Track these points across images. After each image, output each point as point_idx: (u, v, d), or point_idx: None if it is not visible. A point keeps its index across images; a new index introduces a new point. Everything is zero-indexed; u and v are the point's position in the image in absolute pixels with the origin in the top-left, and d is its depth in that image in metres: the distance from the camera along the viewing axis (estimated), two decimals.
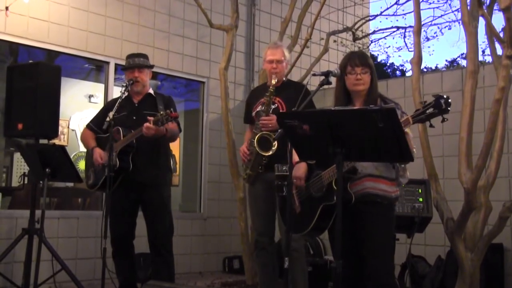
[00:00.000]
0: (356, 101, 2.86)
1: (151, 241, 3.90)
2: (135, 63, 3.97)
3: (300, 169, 2.83)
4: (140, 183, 3.83)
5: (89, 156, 4.10)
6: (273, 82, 3.69)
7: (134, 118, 3.91)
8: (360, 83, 2.79)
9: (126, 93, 3.91)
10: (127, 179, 3.80)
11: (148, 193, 3.86)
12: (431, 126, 2.45)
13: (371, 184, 2.71)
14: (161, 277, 3.76)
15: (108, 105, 4.14)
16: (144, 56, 4.07)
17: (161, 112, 3.63)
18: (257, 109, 3.79)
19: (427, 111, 2.40)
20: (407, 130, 2.56)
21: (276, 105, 3.73)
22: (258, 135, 3.64)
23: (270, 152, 3.56)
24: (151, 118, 3.65)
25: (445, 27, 8.26)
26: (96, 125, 4.06)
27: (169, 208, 3.97)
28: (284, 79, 3.86)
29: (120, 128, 3.82)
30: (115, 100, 3.98)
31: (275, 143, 3.54)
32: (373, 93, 2.82)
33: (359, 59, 2.81)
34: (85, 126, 4.23)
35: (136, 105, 4.01)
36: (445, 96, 2.37)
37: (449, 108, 2.36)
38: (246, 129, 4.06)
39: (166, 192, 3.97)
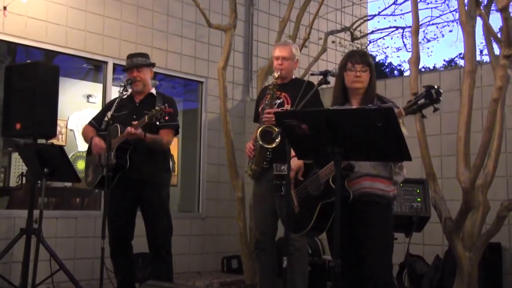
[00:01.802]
0: (353, 99, 2.86)
1: (150, 241, 3.89)
2: (133, 63, 3.97)
3: (295, 161, 2.81)
4: (137, 181, 3.82)
5: (89, 154, 4.10)
6: (276, 75, 3.69)
7: (134, 117, 3.90)
8: (359, 80, 2.79)
9: (125, 93, 3.92)
10: (125, 177, 3.79)
11: (146, 192, 3.85)
12: (423, 117, 2.45)
13: (369, 183, 2.72)
14: (160, 277, 3.75)
15: (109, 104, 4.13)
16: (144, 55, 4.06)
17: (156, 108, 3.62)
18: (263, 105, 3.78)
19: (419, 102, 2.40)
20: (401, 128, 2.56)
21: (282, 99, 3.71)
22: (260, 128, 3.63)
23: (274, 145, 3.54)
24: (135, 122, 3.65)
25: (443, 27, 8.28)
26: (97, 123, 4.05)
27: (167, 208, 3.96)
28: (293, 77, 3.85)
29: (118, 125, 3.81)
30: (115, 99, 3.98)
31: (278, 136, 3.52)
32: (371, 92, 2.82)
33: (360, 56, 2.83)
34: (87, 123, 4.22)
35: (137, 104, 4.00)
36: (435, 86, 2.37)
37: (440, 98, 2.36)
38: (246, 129, 4.05)
39: (165, 191, 3.96)
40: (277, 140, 3.50)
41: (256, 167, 3.69)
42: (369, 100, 2.79)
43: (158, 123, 3.65)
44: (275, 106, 3.68)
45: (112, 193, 3.76)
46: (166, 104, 3.66)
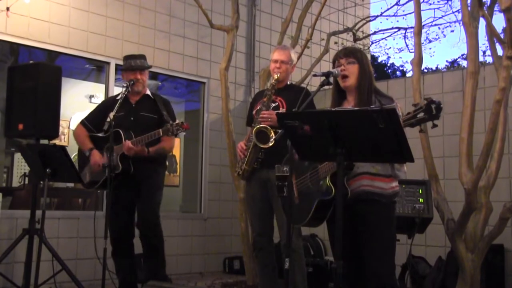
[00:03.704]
0: (349, 96, 2.84)
1: (138, 227, 3.92)
2: (137, 65, 4.02)
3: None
4: (136, 180, 3.89)
5: (83, 155, 4.12)
6: (276, 76, 3.71)
7: (132, 119, 3.93)
8: (344, 73, 2.77)
9: (126, 93, 3.94)
10: (126, 178, 3.83)
11: (141, 185, 3.91)
12: (421, 131, 2.40)
13: (368, 181, 2.69)
14: (149, 260, 3.83)
15: (106, 104, 4.15)
16: (144, 57, 4.12)
17: (171, 123, 3.67)
18: (258, 108, 3.80)
19: (418, 116, 2.32)
20: None
21: (277, 103, 3.75)
22: (256, 127, 3.65)
23: (269, 145, 3.56)
24: (132, 141, 3.69)
25: (446, 28, 8.27)
26: (91, 123, 4.09)
27: (155, 193, 3.98)
28: (288, 82, 3.88)
29: (121, 131, 3.83)
30: (113, 99, 4.02)
31: (272, 135, 3.54)
32: (364, 86, 2.76)
33: (343, 51, 2.82)
34: (79, 122, 4.22)
35: (134, 105, 4.03)
36: (436, 101, 2.28)
37: (439, 114, 2.27)
38: (247, 131, 4.06)
39: (155, 180, 3.99)
40: (271, 140, 3.53)
41: (247, 167, 3.72)
42: (365, 96, 2.75)
43: (174, 136, 3.73)
44: (270, 109, 3.71)
45: (112, 194, 3.79)
46: (182, 121, 3.70)
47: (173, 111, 4.13)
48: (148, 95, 4.09)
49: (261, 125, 3.63)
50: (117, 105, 3.80)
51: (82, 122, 4.17)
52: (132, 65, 4.01)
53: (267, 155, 3.61)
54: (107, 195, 3.79)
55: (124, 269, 3.95)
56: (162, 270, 3.94)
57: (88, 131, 4.10)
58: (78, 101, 7.20)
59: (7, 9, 4.93)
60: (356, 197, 2.65)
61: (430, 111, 2.27)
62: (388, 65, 21.83)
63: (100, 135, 3.97)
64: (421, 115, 2.30)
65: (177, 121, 3.69)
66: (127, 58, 4.08)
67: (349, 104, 2.83)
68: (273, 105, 3.74)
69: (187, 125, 3.67)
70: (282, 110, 3.69)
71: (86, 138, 4.09)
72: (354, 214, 2.65)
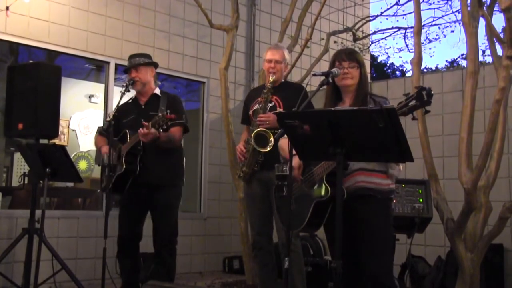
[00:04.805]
0: (345, 97, 2.86)
1: (153, 241, 3.90)
2: (130, 64, 3.95)
3: (295, 159, 2.77)
4: (149, 184, 3.82)
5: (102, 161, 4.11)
6: (271, 79, 3.73)
7: (143, 120, 3.88)
8: (347, 76, 2.78)
9: (128, 96, 3.92)
10: (137, 181, 3.80)
11: (156, 193, 3.84)
12: (414, 119, 2.41)
13: (363, 177, 2.69)
14: (160, 277, 3.75)
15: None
16: (143, 55, 4.04)
17: (159, 114, 3.60)
18: (254, 108, 3.81)
19: (410, 104, 2.32)
20: None
21: (274, 103, 3.76)
22: (255, 131, 3.65)
23: (268, 149, 3.57)
24: (146, 123, 3.59)
25: (446, 28, 8.28)
26: (106, 130, 4.06)
27: (174, 210, 3.92)
28: (282, 80, 3.89)
29: (128, 131, 3.82)
30: (123, 104, 3.96)
31: (272, 140, 3.55)
32: (363, 88, 2.81)
33: (345, 54, 2.83)
34: (96, 132, 4.20)
35: (143, 106, 3.99)
36: (427, 88, 2.30)
37: (430, 100, 2.29)
38: (243, 130, 4.06)
39: (173, 193, 3.93)
40: (270, 144, 3.54)
41: (247, 169, 3.73)
42: (361, 97, 2.78)
43: (161, 130, 3.62)
44: (267, 110, 3.72)
45: (124, 194, 3.80)
46: (168, 110, 3.64)
47: (179, 108, 3.98)
48: (156, 94, 4.02)
49: (259, 129, 3.64)
50: (117, 104, 3.78)
51: (98, 130, 4.16)
52: (127, 66, 3.99)
53: (267, 157, 3.61)
54: (107, 196, 3.79)
55: (128, 269, 3.94)
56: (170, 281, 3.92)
57: (106, 137, 4.08)
58: (78, 101, 7.20)
59: (7, 8, 4.93)
60: (352, 193, 2.65)
61: (422, 97, 2.29)
62: (388, 65, 21.83)
63: (115, 139, 3.94)
64: (412, 102, 2.32)
65: (159, 114, 3.60)
66: (128, 58, 4.06)
67: (344, 105, 2.84)
68: (270, 105, 3.76)
69: (171, 115, 3.56)
70: (279, 110, 3.70)
71: (100, 141, 4.06)
72: (350, 212, 2.64)
